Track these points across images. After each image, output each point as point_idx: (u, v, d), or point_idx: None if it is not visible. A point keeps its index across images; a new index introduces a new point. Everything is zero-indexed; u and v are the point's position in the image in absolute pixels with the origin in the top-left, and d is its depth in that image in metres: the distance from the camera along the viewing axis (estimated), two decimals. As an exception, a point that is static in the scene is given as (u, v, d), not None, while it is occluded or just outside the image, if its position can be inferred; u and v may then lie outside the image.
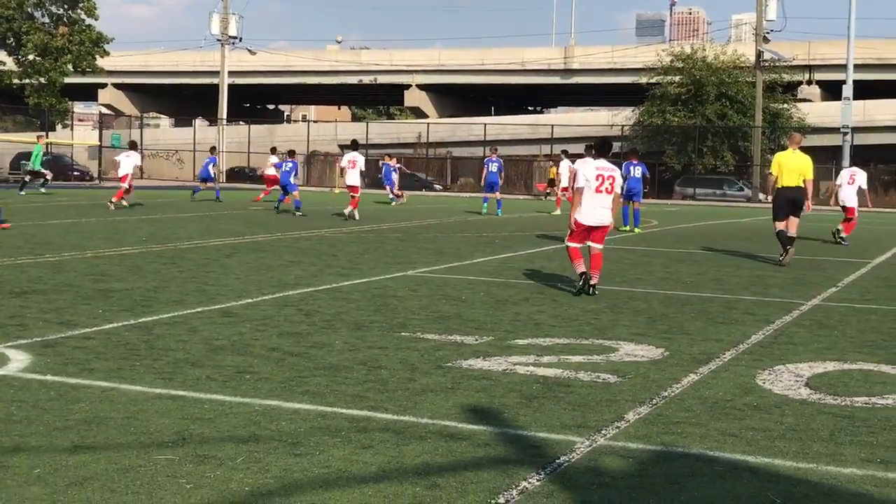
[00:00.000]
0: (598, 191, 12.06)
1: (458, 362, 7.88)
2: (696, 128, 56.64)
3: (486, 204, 31.60)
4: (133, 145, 30.73)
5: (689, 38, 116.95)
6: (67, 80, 55.84)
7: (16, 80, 54.62)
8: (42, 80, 53.61)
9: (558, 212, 32.58)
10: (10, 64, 54.98)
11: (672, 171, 57.47)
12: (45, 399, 6.37)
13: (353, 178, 26.43)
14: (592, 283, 12.09)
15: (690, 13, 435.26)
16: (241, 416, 6.13)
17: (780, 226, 16.77)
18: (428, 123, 66.32)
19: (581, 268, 12.12)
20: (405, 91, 77.39)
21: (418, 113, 78.40)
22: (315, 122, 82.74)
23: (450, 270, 14.31)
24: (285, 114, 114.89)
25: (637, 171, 24.55)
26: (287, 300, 10.92)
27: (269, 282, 12.40)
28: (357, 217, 25.71)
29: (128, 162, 28.65)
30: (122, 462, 5.17)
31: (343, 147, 68.25)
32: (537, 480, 5.08)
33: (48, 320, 9.19)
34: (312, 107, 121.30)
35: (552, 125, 60.20)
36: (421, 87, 76.50)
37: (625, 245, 19.94)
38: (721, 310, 11.18)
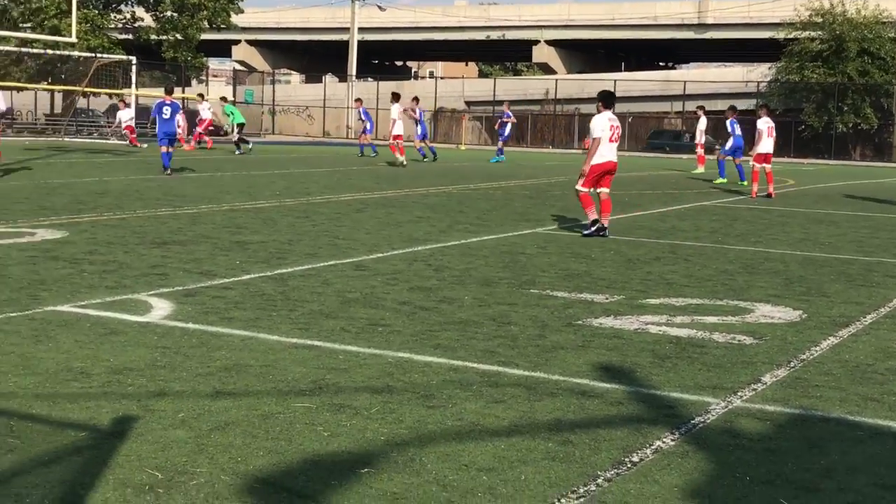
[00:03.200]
0: (611, 140, 13.27)
1: (588, 320, 7.83)
2: (835, 85, 54.74)
3: None
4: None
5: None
6: (202, 36, 57.04)
7: (153, 37, 56.05)
8: (178, 36, 54.88)
9: (700, 169, 31.81)
10: (147, 20, 56.44)
11: (811, 130, 55.65)
12: (187, 346, 6.57)
13: (399, 128, 30.24)
14: (605, 225, 13.24)
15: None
16: (375, 367, 6.22)
17: None
18: (556, 80, 65.69)
19: (593, 214, 13.24)
20: (533, 47, 76.68)
21: (546, 69, 77.69)
22: (442, 78, 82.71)
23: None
24: (413, 70, 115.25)
25: (738, 129, 25.84)
26: (416, 255, 11.01)
27: (399, 237, 12.52)
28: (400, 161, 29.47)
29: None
30: (261, 408, 5.30)
31: (469, 103, 68.29)
32: (671, 440, 5.03)
33: (188, 270, 9.47)
34: (440, 63, 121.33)
35: (684, 81, 58.98)
36: (549, 42, 75.68)
37: (761, 205, 19.47)
38: (861, 272, 10.83)
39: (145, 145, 34.23)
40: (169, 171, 22.09)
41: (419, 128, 33.43)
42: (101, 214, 13.67)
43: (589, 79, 67.01)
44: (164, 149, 22.75)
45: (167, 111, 22.75)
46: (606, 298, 8.78)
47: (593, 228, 13.18)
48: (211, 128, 39.74)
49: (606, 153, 13.24)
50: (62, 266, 9.38)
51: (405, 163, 29.54)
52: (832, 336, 7.54)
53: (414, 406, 5.45)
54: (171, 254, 10.41)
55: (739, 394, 5.90)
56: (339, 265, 10.13)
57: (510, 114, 34.72)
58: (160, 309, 7.68)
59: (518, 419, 5.30)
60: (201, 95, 41.49)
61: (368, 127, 36.18)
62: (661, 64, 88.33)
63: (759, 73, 60.89)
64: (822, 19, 56.44)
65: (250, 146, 36.11)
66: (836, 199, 22.38)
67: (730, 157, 25.92)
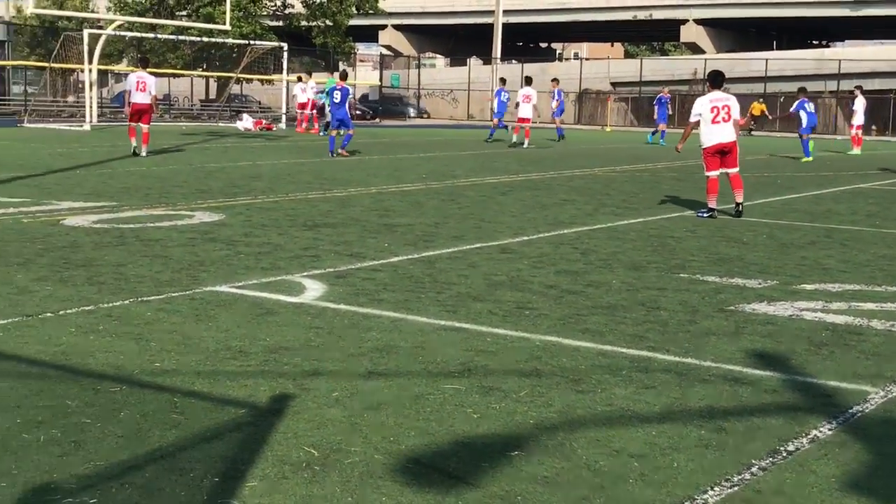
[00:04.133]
0: (714, 122, 13.10)
1: (740, 306, 7.68)
2: None
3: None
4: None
5: None
6: (350, 21, 57.95)
7: (303, 23, 57.23)
8: (328, 21, 55.88)
9: (857, 151, 31.04)
10: (298, 7, 57.64)
11: None
12: (339, 326, 6.71)
13: (525, 111, 30.44)
14: (739, 201, 13.34)
15: None
16: (523, 350, 6.24)
17: None
18: (705, 59, 64.25)
19: (713, 203, 13.26)
20: (681, 26, 75.23)
21: (694, 48, 76.14)
22: (587, 59, 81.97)
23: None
24: (557, 51, 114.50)
25: (811, 107, 27.77)
26: (562, 238, 10.97)
27: (545, 220, 12.50)
28: (525, 145, 29.77)
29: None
30: (412, 389, 5.38)
31: (614, 84, 67.49)
32: (828, 429, 4.90)
33: (339, 252, 9.67)
34: (584, 44, 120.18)
35: (839, 60, 56.96)
36: (698, 21, 74.12)
37: (920, 188, 18.70)
38: None
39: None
40: (335, 155, 23.10)
41: (557, 107, 34.53)
42: (256, 197, 14.07)
43: (739, 58, 65.41)
44: (332, 132, 23.67)
45: (338, 96, 23.35)
46: (759, 284, 8.59)
47: (706, 214, 13.23)
48: (313, 110, 37.83)
49: (713, 134, 13.16)
50: (219, 248, 9.70)
51: (527, 145, 30.08)
52: None
53: (563, 390, 5.45)
54: (322, 236, 10.64)
55: (900, 384, 5.70)
56: (484, 248, 10.18)
57: (667, 98, 34.61)
58: (313, 290, 7.87)
59: (669, 405, 5.24)
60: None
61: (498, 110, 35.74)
62: (814, 42, 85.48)
63: (920, 50, 58.34)
64: None
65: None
66: None
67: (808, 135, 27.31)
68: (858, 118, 31.82)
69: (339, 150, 23.38)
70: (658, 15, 75.40)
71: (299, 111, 38.20)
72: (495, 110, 33.97)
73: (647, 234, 11.41)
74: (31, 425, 4.62)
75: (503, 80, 34.86)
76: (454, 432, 4.74)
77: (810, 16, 71.20)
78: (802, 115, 27.14)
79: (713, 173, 13.34)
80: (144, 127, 21.42)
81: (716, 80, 13.56)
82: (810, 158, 26.85)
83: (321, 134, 33.70)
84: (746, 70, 61.28)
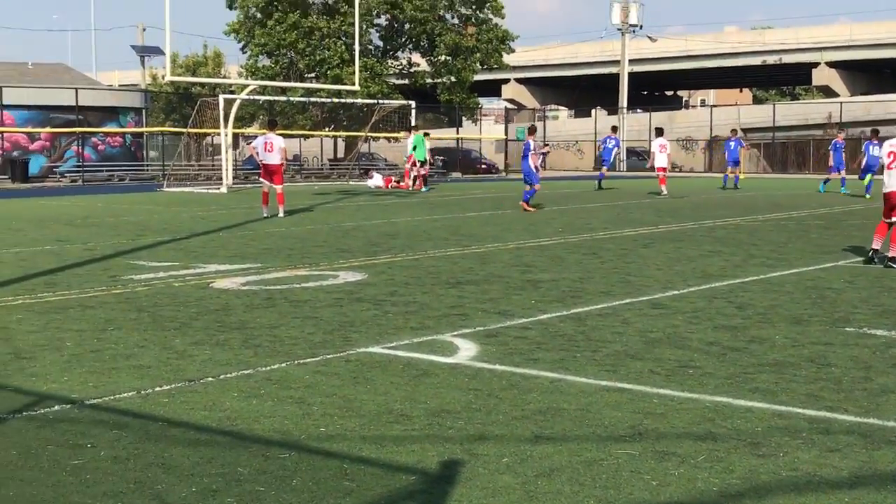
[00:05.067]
0: (889, 167, 12.74)
1: (917, 361, 7.28)
2: None
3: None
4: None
5: None
6: (474, 77, 58.46)
7: (428, 80, 57.98)
8: (453, 78, 56.50)
9: None
10: (423, 65, 58.46)
11: None
12: (498, 388, 6.58)
13: (661, 160, 31.17)
14: (890, 255, 12.53)
15: None
16: (693, 411, 6.00)
17: None
18: (841, 103, 62.65)
19: (877, 243, 12.93)
20: (812, 70, 73.67)
21: (827, 92, 74.42)
22: (715, 106, 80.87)
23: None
24: (683, 99, 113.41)
25: (875, 150, 27.81)
26: (715, 292, 10.65)
27: (693, 272, 12.18)
28: (664, 193, 29.87)
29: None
30: (583, 454, 5.20)
31: (745, 130, 66.30)
32: None
33: (486, 310, 9.56)
34: (712, 91, 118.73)
35: (983, 98, 54.78)
36: (830, 64, 72.47)
37: None
38: None
39: (424, 189, 34.88)
40: (530, 209, 23.45)
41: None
42: (396, 255, 14.11)
43: (876, 100, 63.61)
44: (526, 187, 24.08)
45: (523, 150, 24.27)
46: (932, 337, 8.14)
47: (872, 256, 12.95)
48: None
49: (889, 179, 12.86)
50: (367, 307, 9.70)
51: (665, 193, 30.06)
52: None
53: (742, 454, 5.19)
54: (466, 293, 10.56)
55: None
56: (635, 303, 9.95)
57: (842, 143, 33.25)
58: (466, 350, 7.77)
59: (858, 469, 4.95)
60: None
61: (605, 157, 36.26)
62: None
63: None
64: None
65: (428, 188, 34.94)
66: None
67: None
68: None
69: (521, 203, 23.72)
70: (788, 59, 74.02)
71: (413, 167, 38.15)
72: (603, 158, 35.93)
73: (804, 286, 10.99)
74: (206, 494, 4.60)
75: (614, 129, 34.83)
76: (633, 500, 4.55)
77: (948, 54, 68.93)
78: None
79: (887, 220, 13.01)
80: (278, 188, 21.82)
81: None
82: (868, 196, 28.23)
83: (424, 190, 34.12)
84: (885, 112, 59.51)
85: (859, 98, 67.08)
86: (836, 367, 7.11)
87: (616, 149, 37.36)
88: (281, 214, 21.50)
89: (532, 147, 24.29)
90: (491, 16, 57.16)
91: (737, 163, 36.40)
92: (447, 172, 53.31)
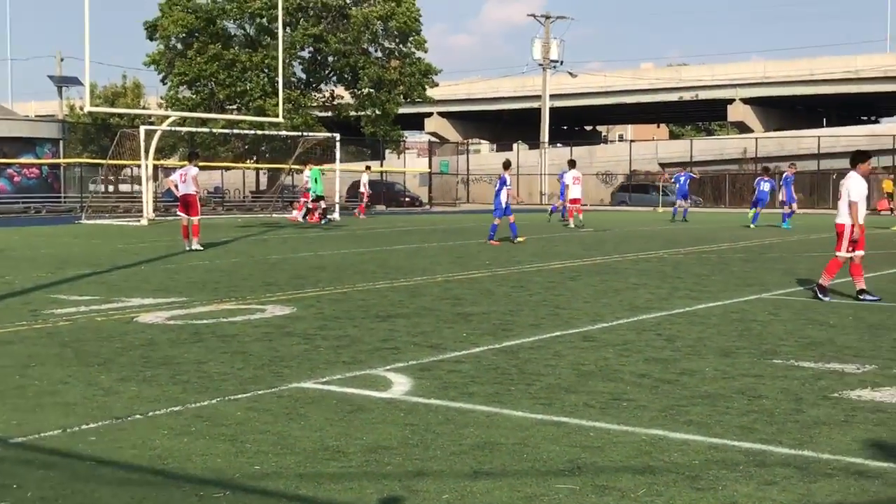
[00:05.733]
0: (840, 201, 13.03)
1: (844, 393, 7.39)
2: None
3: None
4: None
5: None
6: (398, 110, 58.62)
7: (352, 113, 57.97)
8: (377, 111, 56.56)
9: None
10: (346, 97, 58.46)
11: None
12: (434, 423, 6.52)
13: (575, 192, 32.35)
14: (859, 287, 12.80)
15: None
16: (630, 445, 6.01)
17: None
18: (755, 138, 64.14)
19: (859, 284, 12.87)
20: (728, 106, 75.36)
21: (741, 127, 76.11)
22: (634, 141, 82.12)
23: (808, 293, 13.58)
24: (602, 134, 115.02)
25: (765, 186, 32.82)
26: (643, 324, 10.73)
27: (621, 305, 12.27)
28: (580, 223, 31.57)
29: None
30: (524, 490, 5.16)
31: (663, 165, 67.42)
32: (976, 529, 4.60)
33: (418, 343, 9.50)
34: (630, 126, 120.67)
35: (893, 135, 56.48)
36: (744, 100, 74.22)
37: None
38: None
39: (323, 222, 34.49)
40: (505, 240, 23.70)
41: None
42: (324, 289, 13.98)
43: (790, 136, 65.21)
44: (496, 221, 23.91)
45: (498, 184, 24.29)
46: (858, 369, 8.29)
47: (823, 295, 12.89)
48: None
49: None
50: (297, 342, 9.57)
51: (581, 225, 31.34)
52: None
53: (682, 488, 5.20)
54: (397, 327, 10.49)
55: None
56: (565, 336, 9.97)
57: (765, 179, 33.96)
58: (400, 384, 7.69)
59: (797, 502, 4.97)
60: (368, 167, 43.98)
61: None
62: (863, 118, 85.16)
63: (973, 123, 57.84)
64: None
65: (325, 221, 34.74)
66: None
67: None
68: None
69: (512, 239, 23.78)
70: (704, 95, 75.64)
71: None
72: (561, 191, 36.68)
73: (730, 318, 11.14)
74: (140, 536, 4.45)
75: (572, 163, 34.75)
76: (577, 537, 4.51)
77: (858, 92, 71.03)
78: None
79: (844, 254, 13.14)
80: (194, 219, 21.51)
81: (855, 159, 13.19)
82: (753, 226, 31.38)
83: (322, 223, 33.96)
84: (797, 147, 61.04)
85: (773, 134, 68.75)
86: (767, 400, 7.18)
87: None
88: (196, 246, 21.15)
89: (507, 181, 24.13)
90: (414, 50, 57.49)
91: (686, 196, 37.31)
92: (371, 205, 53.21)
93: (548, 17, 68.35)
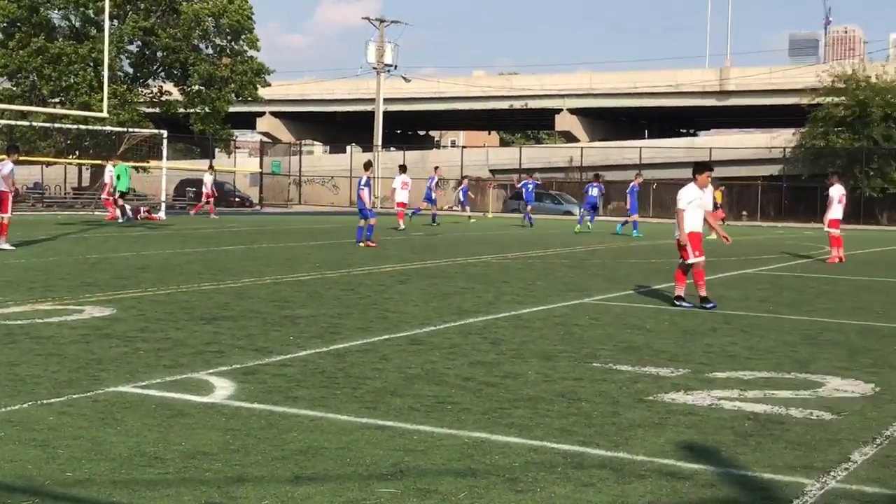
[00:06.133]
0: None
1: (659, 396, 7.65)
2: (861, 150, 54.64)
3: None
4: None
5: (846, 58, 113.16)
6: (229, 108, 57.62)
7: (181, 110, 56.65)
8: (206, 109, 55.44)
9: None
10: (175, 94, 57.10)
11: (884, 194, 54.75)
12: (256, 428, 6.42)
13: (402, 196, 32.93)
14: (701, 294, 13.14)
15: (846, 32, 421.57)
16: (452, 447, 6.05)
17: None
18: (581, 147, 65.91)
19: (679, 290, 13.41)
20: (556, 115, 77.12)
21: (569, 137, 78.01)
22: (466, 147, 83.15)
23: (627, 298, 14.03)
24: (435, 139, 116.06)
25: (594, 191, 34.49)
26: (470, 328, 10.86)
27: (448, 309, 12.38)
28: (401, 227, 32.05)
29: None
30: (346, 494, 5.13)
31: (493, 171, 68.54)
32: (776, 526, 4.83)
33: (243, 347, 9.34)
34: (462, 132, 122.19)
35: (710, 148, 59.03)
36: (572, 111, 76.07)
37: (806, 272, 19.27)
38: (924, 342, 10.60)
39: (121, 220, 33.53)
40: (371, 244, 23.45)
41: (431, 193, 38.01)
42: (146, 290, 13.60)
43: (613, 146, 67.27)
44: (361, 222, 24.01)
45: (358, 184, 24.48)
46: (672, 372, 8.59)
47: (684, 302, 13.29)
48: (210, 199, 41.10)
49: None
50: (116, 344, 9.27)
51: (403, 227, 32.24)
52: (913, 410, 7.32)
53: (501, 490, 5.27)
54: (222, 330, 10.30)
55: (832, 474, 5.70)
56: (393, 339, 9.99)
57: (594, 185, 35.07)
58: (222, 388, 7.55)
59: (612, 503, 5.11)
60: (211, 167, 43.66)
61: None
62: (682, 131, 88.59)
63: (783, 140, 60.94)
64: (844, 85, 56.52)
65: (125, 220, 33.87)
66: (878, 264, 22.17)
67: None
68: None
69: (366, 242, 23.47)
70: (533, 104, 77.15)
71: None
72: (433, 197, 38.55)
73: (553, 323, 11.39)
74: (-63, 550, 4.22)
75: (402, 168, 34.93)
76: (398, 541, 4.51)
77: (679, 105, 73.84)
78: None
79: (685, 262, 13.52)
80: (4, 217, 20.45)
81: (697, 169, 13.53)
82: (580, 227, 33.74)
83: (120, 221, 33.18)
84: (621, 157, 63.02)
85: (598, 143, 70.77)
86: (586, 402, 7.37)
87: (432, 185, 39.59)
88: (5, 246, 20.09)
89: (365, 181, 24.05)
90: (246, 48, 56.62)
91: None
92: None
93: (382, 21, 68.49)
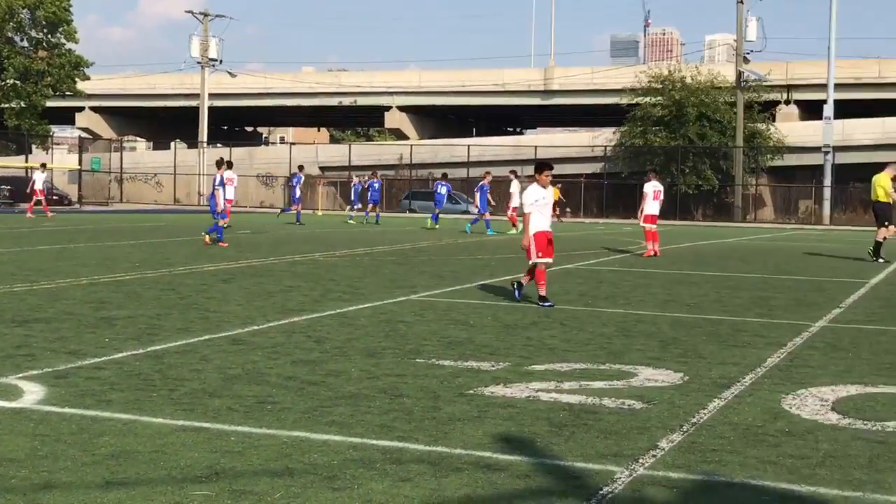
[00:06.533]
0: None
1: (479, 389, 7.77)
2: (677, 148, 56.85)
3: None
4: None
5: (664, 59, 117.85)
6: (47, 103, 55.52)
7: (-5, 104, 54.33)
8: (22, 103, 53.26)
9: (514, 231, 32.99)
10: (-12, 87, 54.67)
11: (699, 191, 56.89)
12: (67, 433, 6.21)
13: (229, 192, 31.93)
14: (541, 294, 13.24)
15: (664, 34, 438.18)
16: (271, 448, 6.00)
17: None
18: (411, 145, 66.32)
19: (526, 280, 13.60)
20: (385, 113, 77.39)
21: (398, 134, 78.42)
22: (294, 143, 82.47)
23: (452, 294, 14.21)
24: (263, 136, 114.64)
25: (442, 189, 36.20)
26: (294, 327, 10.78)
27: (273, 307, 12.26)
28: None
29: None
30: (158, 498, 5.02)
31: (323, 168, 68.23)
32: (586, 513, 4.98)
33: (55, 350, 9.02)
34: (291, 129, 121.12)
35: (535, 146, 60.32)
36: (401, 108, 76.51)
37: (623, 267, 19.91)
38: (730, 332, 11.11)
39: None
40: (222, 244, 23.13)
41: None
42: (-48, 292, 12.97)
43: (443, 143, 67.92)
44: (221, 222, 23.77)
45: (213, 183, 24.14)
46: (493, 366, 8.75)
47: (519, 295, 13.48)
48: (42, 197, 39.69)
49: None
50: (-83, 349, 8.81)
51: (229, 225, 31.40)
52: (717, 398, 7.67)
53: (319, 489, 5.25)
54: (34, 332, 9.91)
55: (641, 461, 5.91)
56: (214, 339, 9.83)
57: (442, 183, 35.67)
58: (32, 393, 7.27)
59: (428, 497, 5.17)
60: (43, 165, 42.75)
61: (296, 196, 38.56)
62: (509, 129, 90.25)
63: (604, 138, 62.81)
64: (661, 86, 58.69)
65: None
66: (691, 258, 23.09)
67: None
68: (515, 200, 33.70)
69: (207, 237, 23.28)
70: (362, 101, 77.21)
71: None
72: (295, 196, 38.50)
73: (378, 319, 11.42)
74: None
75: (228, 164, 34.41)
76: (211, 544, 4.44)
77: (505, 104, 75.18)
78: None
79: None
80: None
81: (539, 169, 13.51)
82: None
83: None
84: (450, 155, 63.73)
85: (427, 141, 71.38)
86: (407, 398, 7.42)
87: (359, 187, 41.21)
88: None
89: (220, 180, 23.79)
90: (64, 40, 54.69)
91: (377, 202, 38.41)
92: (14, 203, 50.12)
93: (206, 15, 67.24)
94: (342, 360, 8.90)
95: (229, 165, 33.63)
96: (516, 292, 13.41)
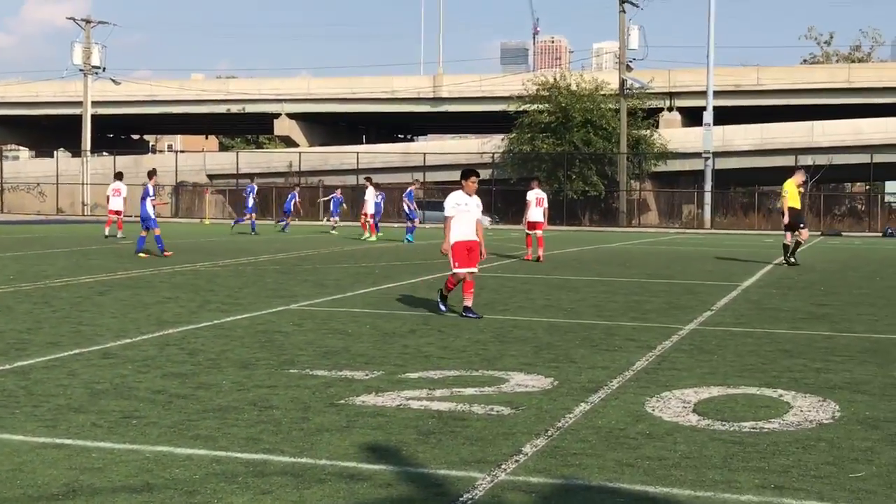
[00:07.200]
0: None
1: (350, 399, 7.80)
2: (564, 154, 57.67)
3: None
4: None
5: (553, 67, 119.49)
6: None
7: None
8: None
9: (371, 237, 33.63)
10: None
11: (585, 196, 57.70)
12: (-81, 454, 6.05)
13: (115, 203, 32.07)
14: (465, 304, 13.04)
15: (553, 42, 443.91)
16: (132, 464, 5.94)
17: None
18: (300, 152, 65.90)
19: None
20: (274, 120, 76.66)
21: (288, 142, 77.77)
22: (182, 151, 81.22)
23: (333, 303, 14.19)
24: (150, 144, 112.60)
25: (378, 198, 34.83)
26: (168, 339, 10.65)
27: (148, 320, 12.09)
28: (118, 236, 31.25)
29: None
30: (10, 519, 4.94)
31: (211, 176, 67.35)
32: (443, 520, 5.05)
33: (-85, 368, 8.76)
34: (179, 136, 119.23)
35: (424, 153, 60.53)
36: (290, 115, 75.88)
37: (505, 273, 20.13)
38: (603, 336, 11.35)
39: None
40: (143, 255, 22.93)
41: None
42: None
43: (332, 151, 67.66)
44: (143, 232, 23.62)
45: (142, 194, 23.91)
46: (366, 375, 8.78)
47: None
48: None
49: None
50: None
51: (122, 235, 31.55)
52: (583, 402, 7.84)
53: (178, 504, 5.22)
54: None
55: (503, 466, 6.01)
56: (84, 354, 9.66)
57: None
58: None
59: (288, 510, 5.18)
60: None
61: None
62: (399, 136, 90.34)
63: (493, 145, 63.34)
64: (548, 93, 59.48)
65: None
66: (573, 264, 23.47)
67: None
68: (369, 207, 34.23)
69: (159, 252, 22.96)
70: (251, 109, 76.37)
71: None
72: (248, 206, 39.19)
73: (255, 330, 11.36)
74: None
75: (118, 175, 33.78)
76: (61, 563, 4.38)
77: (395, 111, 75.21)
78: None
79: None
80: None
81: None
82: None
83: None
84: (340, 162, 63.54)
85: (317, 148, 70.99)
86: (276, 410, 7.41)
87: (294, 199, 40.73)
88: None
89: (151, 192, 23.64)
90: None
91: (255, 210, 38.80)
92: None
93: (88, 22, 65.85)
94: (214, 372, 8.83)
95: (119, 176, 33.04)
96: (441, 304, 13.26)
